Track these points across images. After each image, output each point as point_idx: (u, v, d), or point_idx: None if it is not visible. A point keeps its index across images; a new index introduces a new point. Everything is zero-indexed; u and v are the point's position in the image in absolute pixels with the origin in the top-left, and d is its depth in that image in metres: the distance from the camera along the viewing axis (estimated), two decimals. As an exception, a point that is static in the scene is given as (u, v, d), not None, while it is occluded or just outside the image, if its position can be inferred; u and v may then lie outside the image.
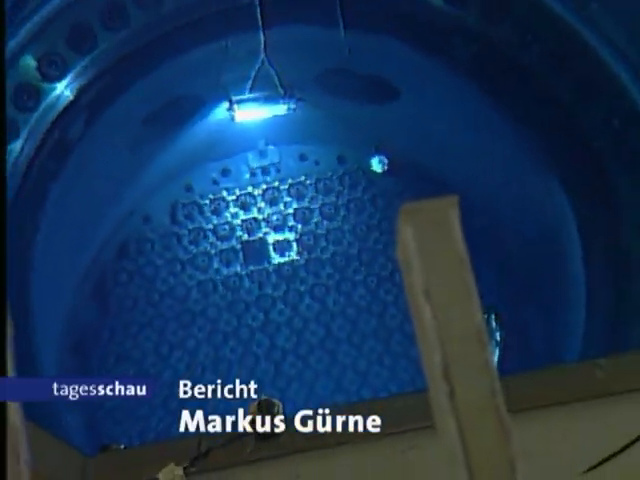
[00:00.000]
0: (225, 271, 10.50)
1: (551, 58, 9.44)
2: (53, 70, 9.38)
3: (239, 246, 10.63)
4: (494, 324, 9.60)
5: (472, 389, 2.37)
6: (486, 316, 9.85)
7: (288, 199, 10.90)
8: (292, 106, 10.27)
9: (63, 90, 9.38)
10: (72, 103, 9.45)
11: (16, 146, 9.27)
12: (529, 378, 5.29)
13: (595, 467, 4.33)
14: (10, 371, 2.73)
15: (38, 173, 9.33)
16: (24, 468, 2.84)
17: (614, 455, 4.48)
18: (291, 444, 4.60)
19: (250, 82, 10.03)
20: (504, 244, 10.31)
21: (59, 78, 9.42)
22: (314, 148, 11.10)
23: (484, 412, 2.38)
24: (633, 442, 4.50)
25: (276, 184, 11.02)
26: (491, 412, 2.38)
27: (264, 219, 10.76)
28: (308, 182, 10.93)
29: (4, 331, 2.69)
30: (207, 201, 10.77)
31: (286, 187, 10.97)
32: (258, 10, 9.52)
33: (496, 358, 9.71)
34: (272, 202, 10.86)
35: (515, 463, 2.30)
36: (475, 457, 2.33)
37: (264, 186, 10.93)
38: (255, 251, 10.66)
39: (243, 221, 10.81)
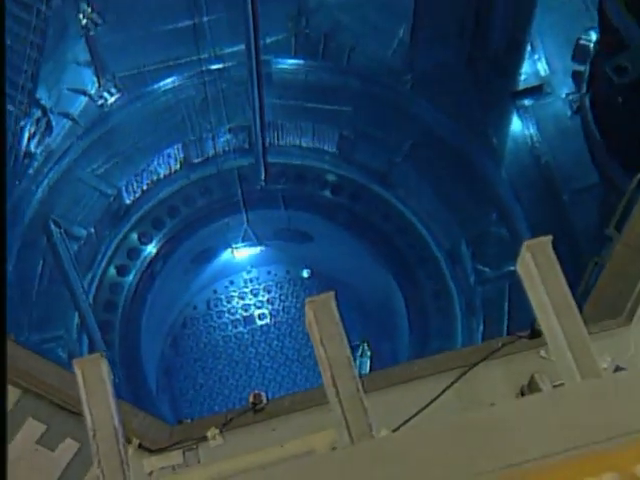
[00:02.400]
0: (234, 330, 20.31)
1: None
2: (146, 239, 19.18)
3: (240, 317, 20.44)
4: (366, 347, 18.80)
5: (346, 386, 5.98)
6: (363, 343, 19.14)
7: (263, 293, 20.80)
8: (262, 248, 20.38)
9: (151, 249, 19.24)
10: (155, 255, 19.29)
11: (129, 278, 19.02)
12: (382, 374, 9.72)
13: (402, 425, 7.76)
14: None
15: (143, 284, 19.18)
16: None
17: (412, 417, 8.08)
18: (269, 413, 8.61)
19: (241, 238, 20.16)
20: (365, 306, 20.20)
21: (148, 243, 19.20)
22: (274, 267, 21.18)
23: (352, 398, 5.95)
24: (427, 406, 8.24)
25: (257, 285, 20.89)
26: (357, 399, 5.94)
27: (252, 303, 20.55)
28: (272, 284, 20.75)
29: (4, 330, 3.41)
30: (223, 296, 20.69)
31: (262, 287, 20.91)
32: (241, 202, 19.46)
33: (367, 367, 18.86)
34: (255, 294, 20.68)
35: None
36: (354, 428, 5.92)
37: (250, 287, 20.85)
38: (248, 319, 20.38)
39: (241, 305, 20.64)
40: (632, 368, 8.75)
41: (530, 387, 8.72)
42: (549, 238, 6.58)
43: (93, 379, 6.80)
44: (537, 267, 6.51)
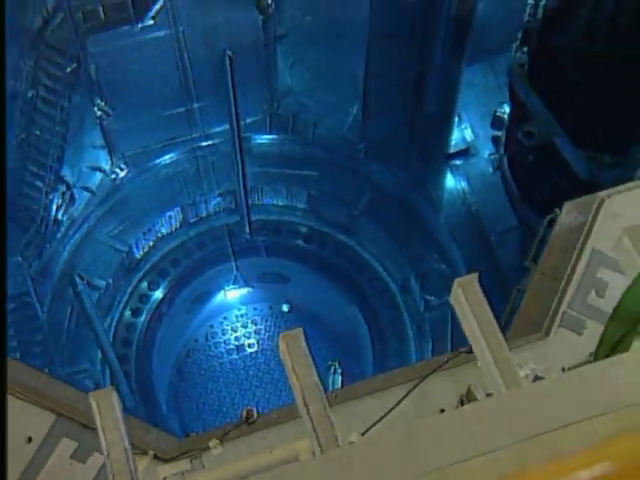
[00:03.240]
0: (229, 357, 21.55)
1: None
2: (154, 286, 20.44)
3: (233, 346, 21.71)
4: (337, 366, 19.92)
5: (315, 406, 6.17)
6: (335, 363, 19.91)
7: (251, 326, 22.13)
8: (249, 289, 21.73)
9: (158, 294, 20.51)
10: (162, 299, 20.70)
11: (141, 318, 20.20)
12: (351, 388, 9.67)
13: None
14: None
15: (153, 324, 20.44)
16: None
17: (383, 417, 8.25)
18: (259, 425, 8.61)
19: (231, 281, 21.49)
20: (335, 333, 21.44)
21: (156, 290, 20.42)
22: (259, 304, 22.46)
23: (320, 416, 6.12)
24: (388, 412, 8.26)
25: (246, 320, 22.17)
26: (324, 416, 6.15)
27: (242, 335, 21.85)
28: (258, 318, 22.07)
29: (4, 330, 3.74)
30: (218, 330, 22.03)
31: (250, 321, 22.21)
32: (231, 252, 20.74)
33: (339, 382, 19.77)
34: (245, 327, 21.99)
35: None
36: (322, 439, 6.09)
37: (241, 321, 22.17)
38: (240, 348, 21.60)
39: (234, 337, 21.88)
40: (548, 375, 8.77)
41: (468, 396, 8.83)
42: (475, 275, 6.86)
43: (106, 408, 6.99)
44: (466, 300, 6.74)
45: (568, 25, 18.72)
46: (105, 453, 6.88)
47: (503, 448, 3.52)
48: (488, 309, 6.73)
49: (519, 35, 19.43)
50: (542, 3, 18.65)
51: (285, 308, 22.85)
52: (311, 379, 6.40)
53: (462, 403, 8.84)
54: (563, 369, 8.92)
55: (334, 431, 6.34)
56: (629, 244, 6.87)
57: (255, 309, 22.82)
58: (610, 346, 7.29)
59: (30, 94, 18.72)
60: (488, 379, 6.75)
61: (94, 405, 7.00)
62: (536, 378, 8.56)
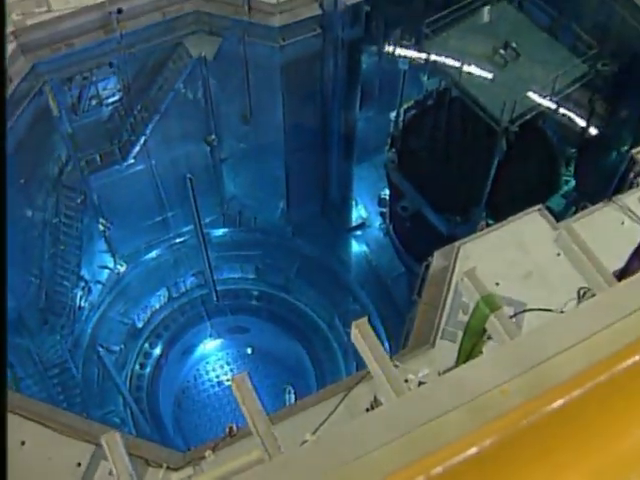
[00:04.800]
0: (213, 390, 24.92)
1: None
2: (154, 346, 24.94)
3: (215, 382, 24.97)
4: (291, 389, 23.58)
5: (261, 427, 7.54)
6: (288, 386, 23.65)
7: (226, 366, 25.42)
8: (222, 340, 25.14)
9: (157, 351, 24.43)
10: (160, 354, 24.10)
11: (147, 370, 24.23)
12: (299, 403, 11.44)
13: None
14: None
15: (156, 373, 23.87)
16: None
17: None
18: (239, 436, 9.14)
19: (208, 336, 25.20)
20: (286, 365, 24.91)
21: (155, 348, 25.15)
22: (230, 350, 25.63)
23: (265, 434, 7.51)
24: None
25: (222, 362, 25.39)
26: (269, 434, 7.54)
27: (221, 373, 25.09)
28: (231, 360, 25.34)
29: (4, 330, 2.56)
30: (203, 371, 25.34)
31: (225, 362, 25.53)
32: (206, 316, 25.79)
33: (292, 400, 22.76)
34: (222, 368, 25.27)
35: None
36: (269, 449, 7.26)
37: (219, 364, 25.51)
38: (220, 383, 24.73)
39: (215, 375, 25.19)
40: (430, 378, 9.15)
41: (376, 402, 9.46)
42: (365, 319, 7.66)
43: (113, 446, 7.88)
44: (362, 336, 7.48)
45: (419, 132, 22.15)
46: (115, 478, 7.91)
47: (394, 440, 3.64)
48: (377, 343, 7.51)
49: (389, 141, 22.28)
50: (400, 119, 21.58)
51: (249, 351, 25.75)
52: (256, 407, 6.96)
53: (372, 407, 9.49)
54: (439, 373, 9.68)
55: (277, 443, 6.84)
56: (468, 282, 7.97)
57: (227, 354, 25.77)
58: (466, 354, 8.07)
59: (55, 221, 21.01)
60: (382, 390, 7.46)
61: (104, 444, 7.92)
62: (420, 384, 8.93)
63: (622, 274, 8.88)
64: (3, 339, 2.66)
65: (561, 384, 3.77)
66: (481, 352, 8.03)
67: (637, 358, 3.69)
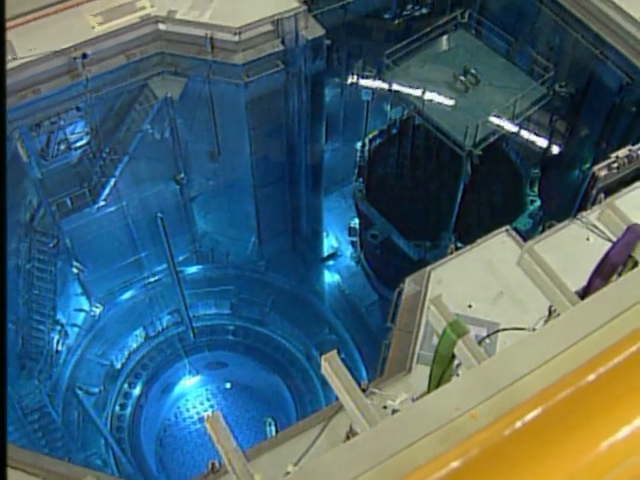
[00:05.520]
0: (195, 427, 24.92)
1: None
2: (133, 386, 25.14)
3: (196, 418, 25.05)
4: (272, 421, 22.96)
5: (236, 464, 6.69)
6: (269, 419, 23.14)
7: (206, 401, 25.45)
8: (201, 376, 25.17)
9: (137, 391, 24.67)
10: (140, 394, 24.16)
11: (127, 410, 24.70)
12: (281, 435, 10.72)
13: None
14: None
15: (137, 413, 23.83)
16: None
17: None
18: (221, 471, 9.44)
19: (187, 373, 25.19)
20: (266, 398, 25.04)
21: (134, 388, 25.51)
22: (209, 386, 25.51)
23: (241, 471, 6.67)
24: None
25: (202, 398, 25.34)
26: (244, 470, 6.64)
27: (202, 409, 25.24)
28: (210, 395, 25.33)
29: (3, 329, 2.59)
30: (184, 408, 25.29)
31: (204, 398, 25.52)
32: (183, 353, 26.18)
33: (273, 432, 22.50)
34: (202, 404, 25.42)
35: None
36: None
37: (199, 400, 25.48)
38: (200, 419, 24.53)
39: (195, 411, 25.30)
40: (405, 405, 9.12)
41: (352, 431, 9.15)
42: (334, 352, 7.51)
43: None
44: (331, 369, 7.38)
45: (385, 161, 22.78)
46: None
47: (368, 471, 3.83)
48: (346, 371, 7.37)
49: (356, 171, 22.84)
50: (366, 149, 22.12)
51: (228, 385, 25.83)
52: (231, 445, 6.74)
53: (348, 437, 9.20)
54: (412, 399, 9.45)
55: (253, 478, 6.72)
56: (434, 309, 7.76)
57: (207, 390, 25.81)
58: (436, 381, 7.92)
59: (28, 266, 20.84)
60: (355, 421, 7.40)
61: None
62: (393, 412, 8.98)
63: (585, 292, 8.83)
64: (3, 339, 2.66)
65: (524, 402, 3.81)
66: (451, 376, 8.00)
67: (599, 372, 3.77)
